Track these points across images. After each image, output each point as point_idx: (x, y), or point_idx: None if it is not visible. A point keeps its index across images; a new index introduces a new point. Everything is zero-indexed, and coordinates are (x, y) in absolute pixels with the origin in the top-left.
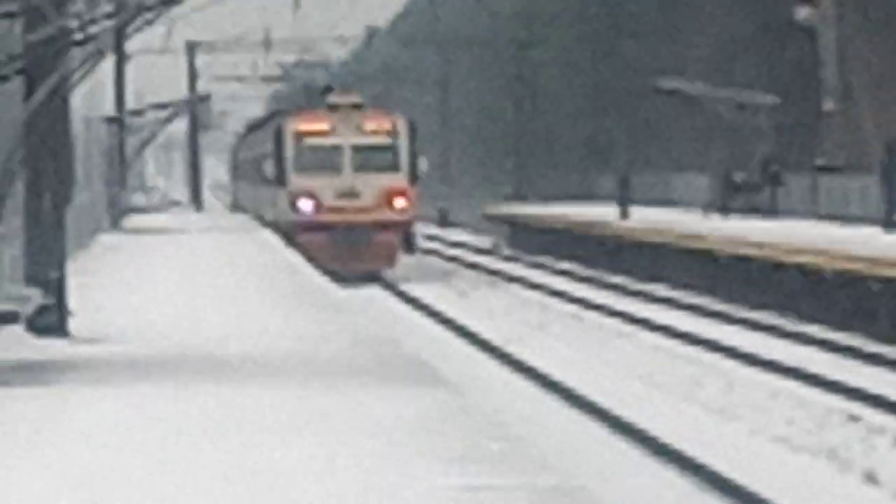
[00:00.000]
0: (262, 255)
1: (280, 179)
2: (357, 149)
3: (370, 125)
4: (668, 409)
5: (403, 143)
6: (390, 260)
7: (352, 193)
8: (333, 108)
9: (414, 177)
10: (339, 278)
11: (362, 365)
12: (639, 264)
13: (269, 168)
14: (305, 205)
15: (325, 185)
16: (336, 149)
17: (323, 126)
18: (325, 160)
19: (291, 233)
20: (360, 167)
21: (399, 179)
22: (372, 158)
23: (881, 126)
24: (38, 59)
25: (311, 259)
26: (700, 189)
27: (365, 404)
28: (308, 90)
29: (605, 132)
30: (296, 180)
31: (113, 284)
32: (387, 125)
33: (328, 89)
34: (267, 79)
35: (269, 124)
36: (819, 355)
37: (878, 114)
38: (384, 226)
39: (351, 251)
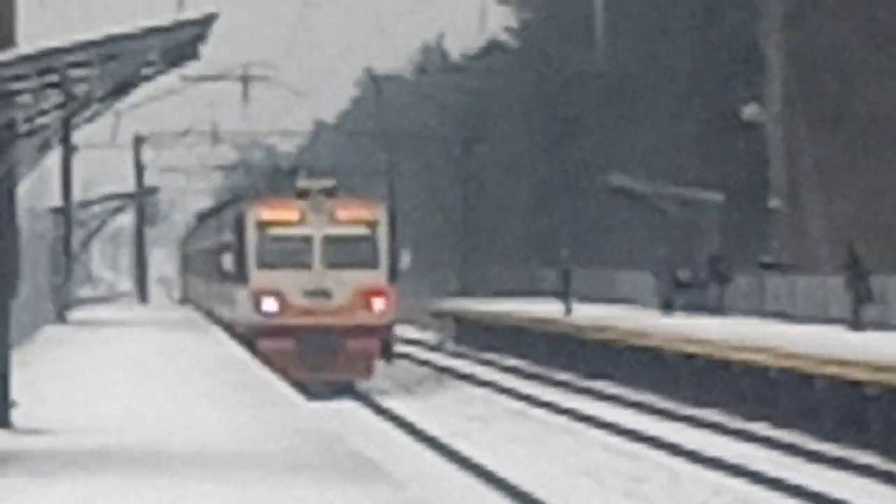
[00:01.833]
0: (208, 350)
1: (239, 275)
2: (330, 240)
3: (345, 214)
4: None
5: (383, 235)
6: (367, 370)
7: (323, 293)
8: (302, 193)
9: (394, 273)
10: (304, 389)
11: (305, 460)
12: (585, 360)
13: (226, 261)
14: (269, 305)
15: (293, 283)
16: (305, 240)
17: (290, 214)
18: (293, 253)
19: (252, 337)
20: (334, 262)
21: (377, 277)
22: (347, 252)
23: (828, 224)
24: None
25: (273, 368)
26: (645, 286)
27: (307, 500)
28: (270, 174)
29: (549, 228)
30: (258, 276)
31: (57, 377)
32: (364, 214)
33: (294, 171)
34: (221, 168)
35: (225, 211)
36: (762, 452)
37: (826, 212)
38: (361, 331)
39: (321, 360)
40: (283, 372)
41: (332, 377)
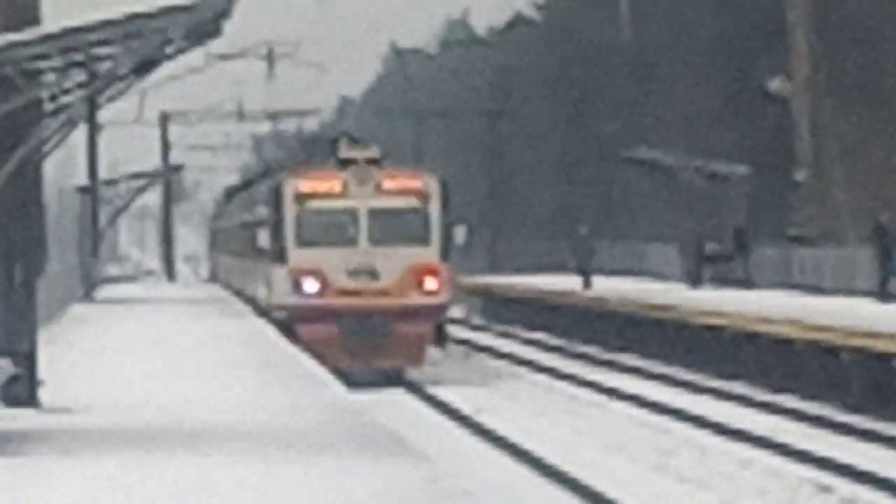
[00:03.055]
0: (235, 327)
1: (277, 253)
2: (376, 214)
3: (393, 185)
4: (640, 479)
5: (435, 207)
6: (418, 357)
7: (369, 272)
8: (346, 163)
9: (448, 250)
10: (347, 378)
11: (333, 436)
12: (606, 334)
13: (262, 238)
14: (310, 286)
15: (336, 262)
16: (349, 214)
17: (333, 186)
18: (336, 229)
19: (290, 321)
20: (381, 238)
21: (429, 254)
22: (395, 227)
23: (853, 197)
24: (10, 130)
25: (315, 355)
26: (671, 259)
27: (334, 475)
28: (308, 144)
29: (575, 202)
30: (297, 255)
31: (84, 355)
32: (414, 184)
33: (335, 140)
34: (253, 138)
35: (259, 185)
36: (789, 424)
37: (851, 184)
38: (411, 313)
39: (367, 346)
40: (324, 359)
41: (379, 365)
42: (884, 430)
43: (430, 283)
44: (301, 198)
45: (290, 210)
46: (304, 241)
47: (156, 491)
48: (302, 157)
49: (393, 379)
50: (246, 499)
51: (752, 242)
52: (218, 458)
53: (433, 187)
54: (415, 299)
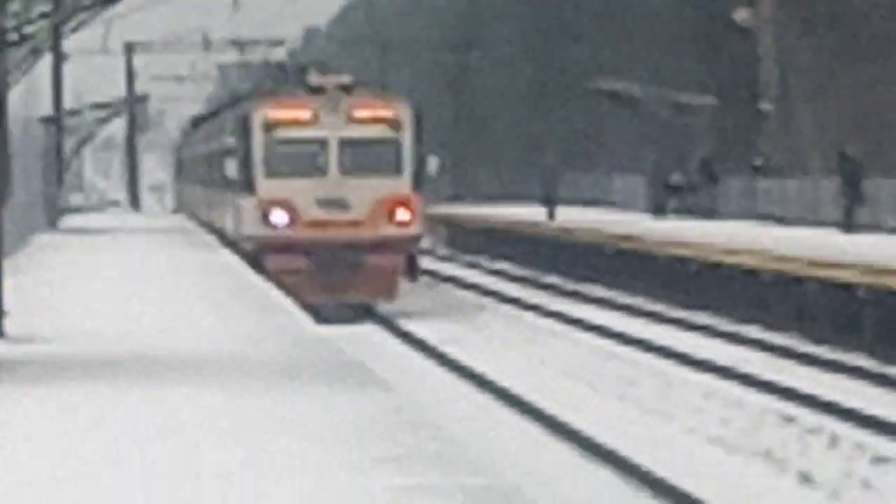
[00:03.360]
0: (200, 257)
1: (244, 183)
2: (347, 143)
3: (364, 113)
4: (604, 408)
5: (407, 137)
6: (390, 290)
7: (340, 203)
8: (316, 90)
9: (420, 181)
10: (316, 312)
11: (300, 365)
12: (569, 264)
13: (229, 168)
14: (278, 217)
15: (305, 192)
16: (319, 143)
17: (302, 113)
18: (305, 158)
19: (258, 253)
20: (352, 168)
21: (402, 184)
22: (367, 156)
23: (819, 127)
24: None
25: (284, 288)
26: (637, 190)
27: (300, 405)
28: (276, 71)
29: (541, 133)
30: (266, 185)
31: (49, 284)
32: (386, 113)
33: (304, 68)
34: (220, 66)
35: (226, 113)
36: (755, 355)
37: (816, 115)
38: (383, 245)
39: (338, 279)
40: (294, 293)
41: (350, 298)
42: (848, 360)
43: (403, 214)
44: (269, 126)
45: (257, 139)
46: (272, 171)
47: (120, 419)
48: (270, 84)
49: (363, 313)
50: (208, 426)
51: (720, 173)
52: (182, 388)
53: (406, 116)
54: (387, 231)
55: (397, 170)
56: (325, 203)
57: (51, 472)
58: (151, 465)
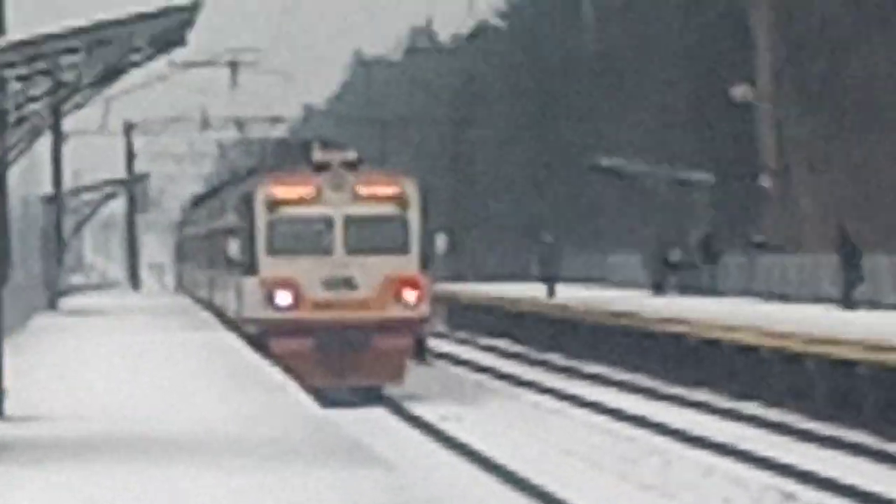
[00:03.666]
0: (200, 337)
1: (247, 263)
2: (353, 221)
3: (370, 190)
4: (603, 486)
5: (414, 215)
6: (397, 373)
7: (346, 282)
8: (320, 167)
9: (428, 260)
10: (322, 396)
11: (297, 444)
12: (570, 341)
13: (231, 248)
14: (283, 298)
15: (310, 272)
16: (325, 222)
17: (307, 191)
18: (310, 237)
19: (262, 336)
20: (358, 247)
21: (409, 263)
22: (373, 235)
23: (818, 204)
24: None
25: (289, 372)
26: (636, 267)
27: (298, 485)
28: (276, 147)
29: (540, 210)
30: (269, 265)
31: (49, 365)
32: (393, 190)
33: (307, 143)
34: (220, 145)
35: (229, 191)
36: (753, 432)
37: (815, 191)
38: (390, 326)
39: (344, 361)
40: (299, 376)
41: (357, 382)
42: (846, 436)
43: (410, 295)
44: (273, 204)
45: (261, 217)
46: (276, 250)
47: (117, 499)
48: (272, 162)
49: (371, 397)
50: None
51: (719, 249)
52: (183, 468)
53: (412, 193)
54: (394, 312)
55: (405, 248)
56: (331, 283)
57: None
58: None
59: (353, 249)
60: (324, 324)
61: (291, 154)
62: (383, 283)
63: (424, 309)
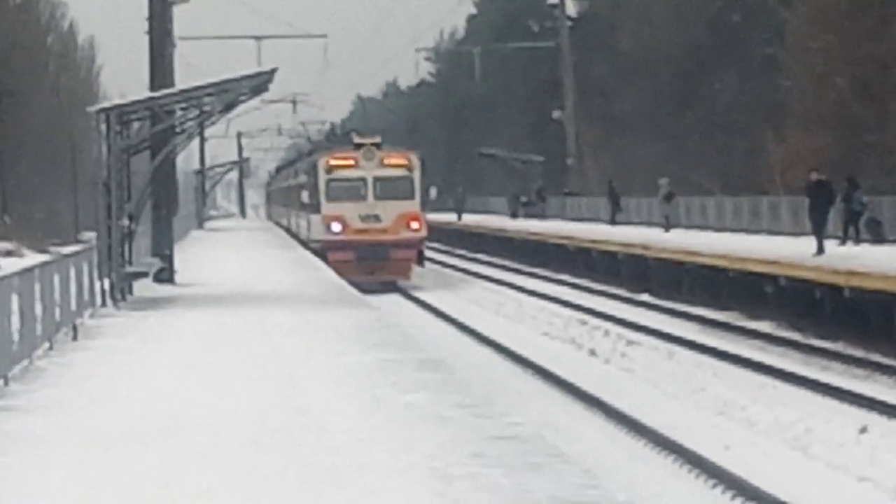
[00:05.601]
0: (280, 242)
1: (314, 206)
2: (378, 180)
3: (389, 160)
4: (486, 318)
5: (416, 175)
6: (406, 273)
7: (375, 217)
8: (358, 146)
9: (424, 203)
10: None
11: (328, 298)
12: (471, 244)
13: (304, 196)
14: (336, 227)
15: (352, 211)
16: (361, 180)
17: (350, 161)
18: (352, 190)
19: (322, 250)
20: (382, 195)
21: (413, 206)
22: (391, 188)
23: (599, 173)
24: (157, 140)
25: (338, 272)
26: (504, 204)
27: (328, 316)
28: (331, 136)
29: (454, 177)
30: (327, 207)
31: (198, 256)
32: (403, 160)
33: (347, 133)
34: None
35: (301, 161)
36: (568, 290)
37: (597, 166)
38: (402, 244)
39: (373, 266)
40: (344, 275)
41: (381, 278)
42: (609, 290)
43: (414, 225)
44: (329, 169)
45: (322, 178)
46: (331, 198)
47: (237, 321)
48: (327, 144)
49: (389, 287)
50: (280, 326)
51: (547, 196)
52: (268, 307)
53: (416, 162)
54: (404, 235)
55: (411, 196)
56: (365, 218)
57: (204, 349)
58: (251, 341)
59: (379, 197)
60: (361, 242)
61: (339, 139)
62: (397, 218)
63: (423, 233)
